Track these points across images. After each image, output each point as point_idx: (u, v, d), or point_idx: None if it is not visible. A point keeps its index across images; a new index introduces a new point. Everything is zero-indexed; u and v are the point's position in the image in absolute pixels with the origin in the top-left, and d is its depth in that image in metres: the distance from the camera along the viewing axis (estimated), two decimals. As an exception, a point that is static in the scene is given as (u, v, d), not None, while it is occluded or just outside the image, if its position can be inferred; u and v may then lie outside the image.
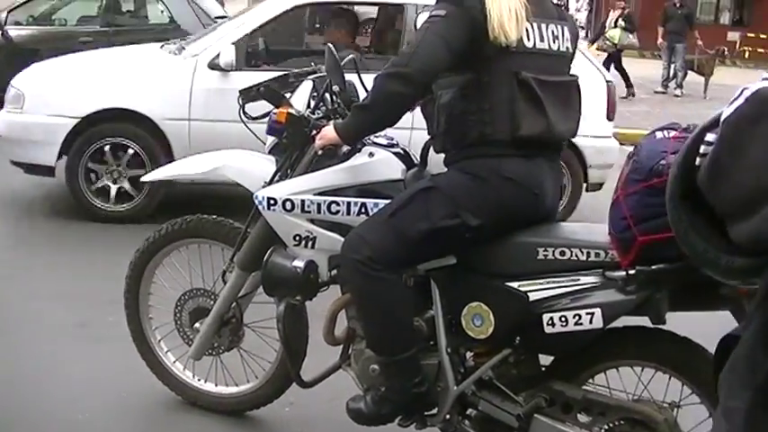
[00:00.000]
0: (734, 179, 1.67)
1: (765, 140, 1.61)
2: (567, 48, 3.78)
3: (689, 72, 21.73)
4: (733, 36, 33.65)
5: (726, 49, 21.69)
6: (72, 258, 7.35)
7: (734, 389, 1.67)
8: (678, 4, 21.53)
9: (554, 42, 3.70)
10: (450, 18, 3.51)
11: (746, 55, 33.17)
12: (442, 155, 3.80)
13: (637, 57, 25.46)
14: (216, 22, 13.41)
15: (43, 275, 6.83)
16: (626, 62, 20.86)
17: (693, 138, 1.78)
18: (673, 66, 21.83)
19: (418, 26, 3.84)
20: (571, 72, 3.82)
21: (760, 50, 33.12)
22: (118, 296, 4.84)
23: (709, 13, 35.78)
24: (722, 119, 1.73)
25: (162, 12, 13.53)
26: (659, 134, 3.42)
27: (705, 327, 3.52)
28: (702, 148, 1.84)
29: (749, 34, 33.77)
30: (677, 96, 21.31)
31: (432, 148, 3.86)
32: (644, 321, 3.49)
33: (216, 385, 4.84)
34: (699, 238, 1.82)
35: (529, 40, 3.60)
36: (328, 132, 3.73)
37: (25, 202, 9.04)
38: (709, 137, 1.87)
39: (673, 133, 3.38)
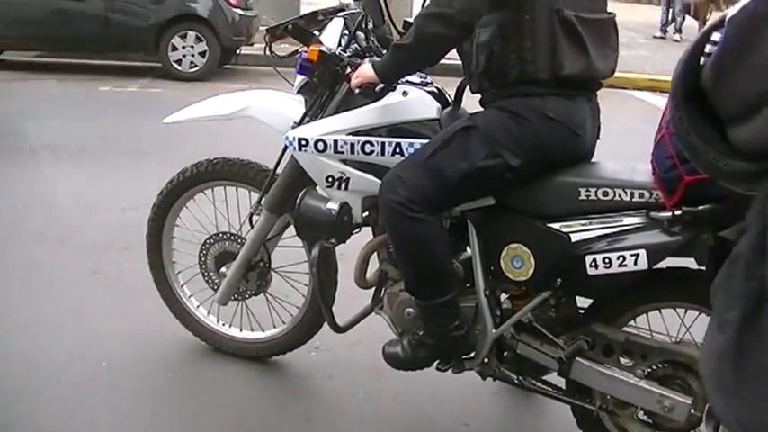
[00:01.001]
0: (738, 80, 1.60)
1: None
2: None
3: (686, 17, 21.64)
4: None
5: (722, -8, 21.60)
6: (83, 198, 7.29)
7: (729, 298, 1.60)
8: None
9: None
10: None
11: (743, -1, 32.88)
12: (478, 95, 3.71)
13: (632, 2, 25.36)
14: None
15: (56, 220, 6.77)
16: (623, 8, 20.78)
17: (699, 37, 1.71)
18: (671, 10, 21.74)
19: None
20: (608, 9, 3.73)
21: None
22: (133, 242, 4.77)
23: None
24: (727, 17, 1.66)
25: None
26: (704, 73, 3.32)
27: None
28: (707, 48, 1.76)
29: (744, -23, 33.49)
30: (676, 41, 21.30)
31: (468, 88, 3.77)
32: (688, 263, 3.42)
33: (241, 330, 4.80)
34: (699, 140, 1.75)
35: None
36: (366, 71, 3.64)
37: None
38: (715, 36, 1.79)
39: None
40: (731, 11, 1.67)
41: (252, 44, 14.26)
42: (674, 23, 21.77)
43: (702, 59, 1.71)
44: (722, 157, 1.69)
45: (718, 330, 1.63)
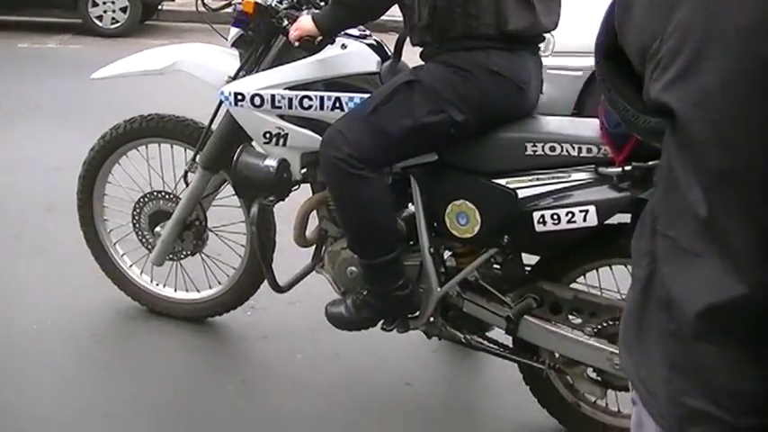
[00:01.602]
0: (628, 38, 1.59)
1: None
2: None
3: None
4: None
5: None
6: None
7: (638, 255, 1.58)
8: None
9: None
10: None
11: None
12: (418, 48, 3.61)
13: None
14: None
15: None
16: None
17: None
18: None
19: None
20: None
21: None
22: (58, 203, 4.63)
23: None
24: None
25: None
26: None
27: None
28: None
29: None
30: None
31: (408, 41, 3.67)
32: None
33: (175, 290, 4.70)
34: (619, 97, 1.72)
35: None
36: (305, 23, 3.53)
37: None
38: None
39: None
40: None
41: (174, -1, 14.05)
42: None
43: None
44: (640, 114, 1.67)
45: (631, 288, 1.62)
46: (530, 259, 3.66)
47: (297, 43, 3.56)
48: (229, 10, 3.97)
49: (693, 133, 1.40)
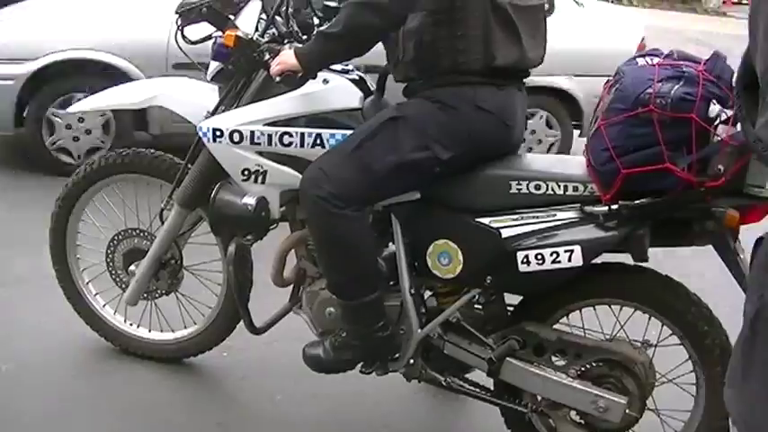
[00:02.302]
0: (755, 65, 1.57)
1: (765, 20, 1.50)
2: None
3: None
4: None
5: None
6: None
7: (750, 291, 1.55)
8: None
9: None
10: None
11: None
12: (402, 84, 3.56)
13: None
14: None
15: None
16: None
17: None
18: None
19: None
20: None
21: None
22: (32, 237, 4.54)
23: None
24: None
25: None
26: (641, 61, 3.27)
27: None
28: None
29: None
30: None
31: (391, 76, 3.62)
32: (624, 258, 3.33)
33: (150, 331, 4.60)
34: (752, 129, 1.70)
35: None
36: (288, 58, 3.46)
37: None
38: None
39: (656, 60, 3.23)
40: None
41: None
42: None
43: None
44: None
45: (743, 323, 1.57)
46: (513, 299, 3.60)
47: (278, 78, 3.49)
48: (210, 42, 3.91)
49: None
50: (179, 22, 3.87)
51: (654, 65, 3.19)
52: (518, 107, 3.51)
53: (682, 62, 3.18)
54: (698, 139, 3.03)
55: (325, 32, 3.40)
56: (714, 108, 3.03)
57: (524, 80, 3.58)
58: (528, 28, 3.44)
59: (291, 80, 3.47)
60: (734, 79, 1.80)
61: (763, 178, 3.08)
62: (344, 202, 3.36)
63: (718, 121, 3.04)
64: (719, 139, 3.01)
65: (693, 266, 3.58)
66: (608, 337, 3.54)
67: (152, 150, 4.25)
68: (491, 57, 3.33)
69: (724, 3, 33.16)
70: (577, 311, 3.58)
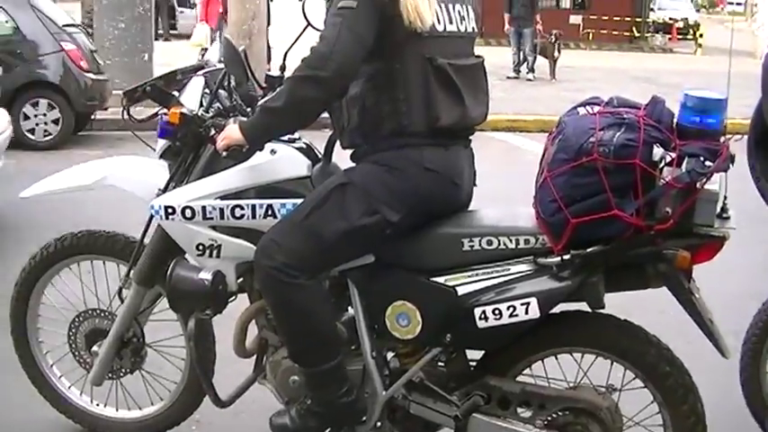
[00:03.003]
0: None
1: None
2: (473, 28, 3.63)
3: (537, 56, 22.18)
4: (575, 19, 34.84)
5: (561, 32, 22.21)
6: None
7: None
8: None
9: (461, 23, 3.54)
10: (362, 8, 3.27)
11: (590, 37, 34.29)
12: (350, 150, 3.59)
13: (484, 45, 25.88)
14: (64, 31, 13.05)
15: None
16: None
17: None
18: (522, 51, 22.16)
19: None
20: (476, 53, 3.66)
21: (602, 31, 34.55)
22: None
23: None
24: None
25: (6, 22, 12.96)
26: (582, 110, 3.33)
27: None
28: None
29: (590, 16, 34.86)
30: (530, 80, 21.83)
31: (338, 143, 3.65)
32: (581, 306, 3.37)
33: (117, 410, 4.57)
34: None
35: (439, 22, 3.42)
36: (232, 132, 3.47)
37: None
38: None
39: (597, 108, 3.28)
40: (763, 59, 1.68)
41: (106, 108, 13.90)
42: (525, 63, 22.17)
43: None
44: None
45: None
46: (475, 354, 3.61)
47: (224, 153, 3.50)
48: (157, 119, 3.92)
49: None
50: (124, 102, 3.90)
51: (594, 113, 3.24)
52: (465, 165, 3.55)
53: (622, 109, 3.24)
54: (643, 183, 3.07)
55: (268, 106, 3.42)
56: (658, 151, 3.08)
57: (470, 138, 3.62)
58: (469, 86, 3.48)
59: (237, 154, 3.49)
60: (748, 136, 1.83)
61: (711, 217, 3.13)
62: (298, 271, 3.37)
63: (662, 164, 3.08)
64: (665, 182, 3.06)
65: (652, 306, 3.60)
66: (572, 384, 3.56)
67: (106, 231, 4.26)
68: (434, 118, 3.37)
69: (669, 39, 33.66)
70: (540, 361, 3.59)
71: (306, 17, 3.77)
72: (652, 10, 40.53)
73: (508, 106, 16.13)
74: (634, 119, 3.14)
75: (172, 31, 30.02)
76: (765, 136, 1.66)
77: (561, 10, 36.20)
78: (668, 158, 3.08)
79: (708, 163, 3.00)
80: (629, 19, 35.14)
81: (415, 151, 3.39)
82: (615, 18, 34.36)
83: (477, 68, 3.61)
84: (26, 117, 12.83)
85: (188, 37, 21.79)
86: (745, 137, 2.89)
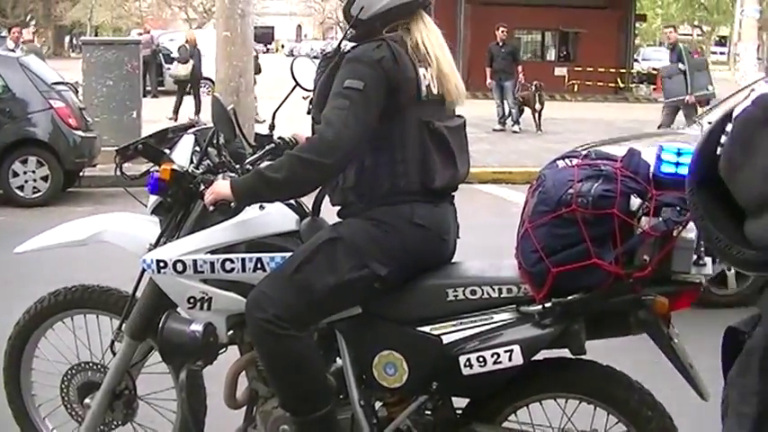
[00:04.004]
0: (745, 177, 1.67)
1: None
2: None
3: (523, 108, 22.30)
4: (560, 71, 35.08)
5: (542, 83, 22.33)
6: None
7: (745, 393, 1.63)
8: (501, 44, 22.08)
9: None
10: (369, 90, 3.41)
11: (575, 88, 34.45)
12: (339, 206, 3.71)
13: (468, 98, 26.00)
14: (53, 89, 13.13)
15: None
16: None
17: (713, 127, 1.78)
18: (506, 103, 22.25)
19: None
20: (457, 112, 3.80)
21: (587, 83, 34.65)
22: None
23: (536, 52, 37.63)
24: (733, 116, 1.72)
25: (-5, 82, 13.08)
26: (561, 163, 3.41)
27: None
28: (723, 138, 1.82)
29: (575, 68, 35.08)
30: (516, 132, 21.86)
31: (326, 198, 3.74)
32: (564, 353, 3.45)
33: (110, 462, 4.58)
34: (713, 227, 1.80)
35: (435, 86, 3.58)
36: (221, 188, 3.56)
37: None
38: (729, 127, 1.85)
39: (575, 161, 3.36)
40: (736, 110, 1.72)
41: (95, 165, 13.98)
42: (510, 116, 22.27)
43: (719, 149, 1.76)
44: (735, 245, 1.73)
45: (738, 426, 1.65)
46: (461, 402, 3.67)
47: (212, 208, 3.60)
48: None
49: None
50: (117, 160, 3.99)
51: (573, 166, 3.34)
52: (451, 221, 3.68)
53: (599, 161, 3.34)
54: (621, 232, 3.17)
55: (266, 175, 3.49)
56: (635, 201, 3.18)
57: (453, 194, 3.74)
58: (457, 147, 3.62)
59: (225, 209, 3.59)
60: (687, 176, 1.90)
61: (688, 264, 3.22)
62: (289, 322, 3.46)
63: (640, 214, 3.18)
64: (642, 230, 3.15)
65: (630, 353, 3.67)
66: (557, 430, 3.62)
67: (100, 285, 4.33)
68: (430, 180, 3.50)
69: (654, 90, 33.83)
70: (525, 407, 3.65)
71: (294, 77, 3.89)
72: (636, 61, 40.86)
73: (494, 158, 16.25)
74: (611, 170, 3.24)
75: (160, 88, 30.13)
76: (709, 177, 1.73)
77: (546, 62, 36.52)
78: (645, 208, 3.17)
79: (684, 212, 3.09)
80: (613, 70, 35.31)
81: (407, 207, 3.51)
82: (600, 69, 34.54)
83: (461, 128, 3.73)
84: (15, 174, 12.89)
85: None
86: None
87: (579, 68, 35.00)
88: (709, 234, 1.84)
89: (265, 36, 74.56)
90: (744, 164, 1.68)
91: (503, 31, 22.11)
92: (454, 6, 32.08)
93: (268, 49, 72.07)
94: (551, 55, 37.80)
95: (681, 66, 16.00)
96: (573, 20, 35.24)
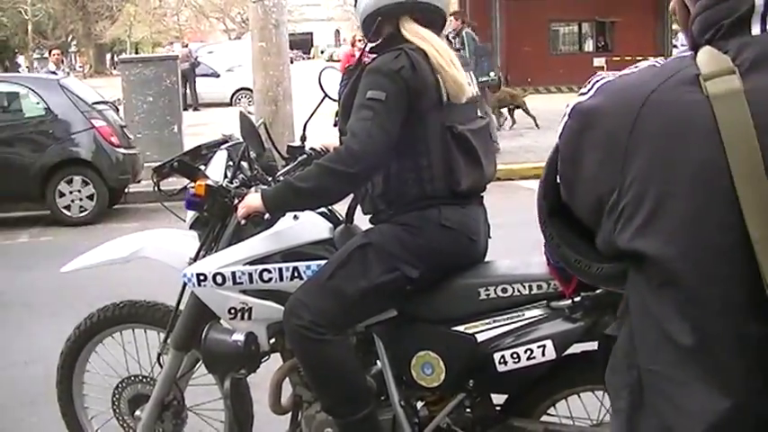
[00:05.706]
0: (579, 193, 1.74)
1: (592, 151, 1.67)
2: (477, 92, 3.82)
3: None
4: (599, 62, 34.79)
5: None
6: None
7: (617, 389, 1.71)
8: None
9: (469, 89, 3.72)
10: (391, 100, 3.48)
11: (614, 78, 34.19)
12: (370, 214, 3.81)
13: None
14: (94, 108, 13.28)
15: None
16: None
17: (550, 157, 1.85)
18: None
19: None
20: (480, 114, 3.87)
21: None
22: (39, 395, 4.68)
23: (573, 43, 37.11)
24: (558, 137, 1.80)
25: (37, 104, 13.26)
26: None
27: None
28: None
29: (614, 58, 34.82)
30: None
31: (359, 207, 3.84)
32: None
33: (159, 472, 4.70)
34: (570, 251, 1.88)
35: None
36: (252, 201, 3.66)
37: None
38: None
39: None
40: (558, 130, 1.80)
41: (139, 181, 14.12)
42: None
43: (558, 177, 1.84)
44: (593, 263, 1.81)
45: (615, 419, 1.72)
46: (500, 398, 3.75)
47: (243, 221, 3.70)
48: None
49: (670, 270, 1.53)
50: (155, 178, 4.10)
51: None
52: (480, 222, 3.75)
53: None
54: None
55: (295, 185, 3.58)
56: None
57: (482, 195, 3.81)
58: (482, 148, 3.68)
59: (259, 220, 3.69)
60: (537, 208, 1.97)
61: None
62: (325, 328, 3.55)
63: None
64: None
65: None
66: (595, 422, 3.68)
67: (146, 300, 4.45)
68: (456, 183, 3.57)
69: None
70: (563, 400, 3.71)
71: (322, 88, 3.99)
72: (675, 47, 40.55)
73: (535, 154, 16.23)
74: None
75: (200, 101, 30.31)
76: (559, 205, 1.80)
77: (584, 53, 36.27)
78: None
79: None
80: (651, 58, 35.03)
81: (434, 210, 3.59)
82: (638, 58, 34.06)
83: (485, 130, 3.81)
84: (61, 194, 13.06)
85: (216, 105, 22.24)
86: None
87: (617, 58, 34.77)
88: (567, 259, 1.91)
89: (304, 43, 74.80)
90: (575, 181, 1.76)
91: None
92: (489, 1, 31.96)
93: (308, 57, 72.19)
94: (589, 46, 37.56)
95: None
96: (608, 9, 35.00)
